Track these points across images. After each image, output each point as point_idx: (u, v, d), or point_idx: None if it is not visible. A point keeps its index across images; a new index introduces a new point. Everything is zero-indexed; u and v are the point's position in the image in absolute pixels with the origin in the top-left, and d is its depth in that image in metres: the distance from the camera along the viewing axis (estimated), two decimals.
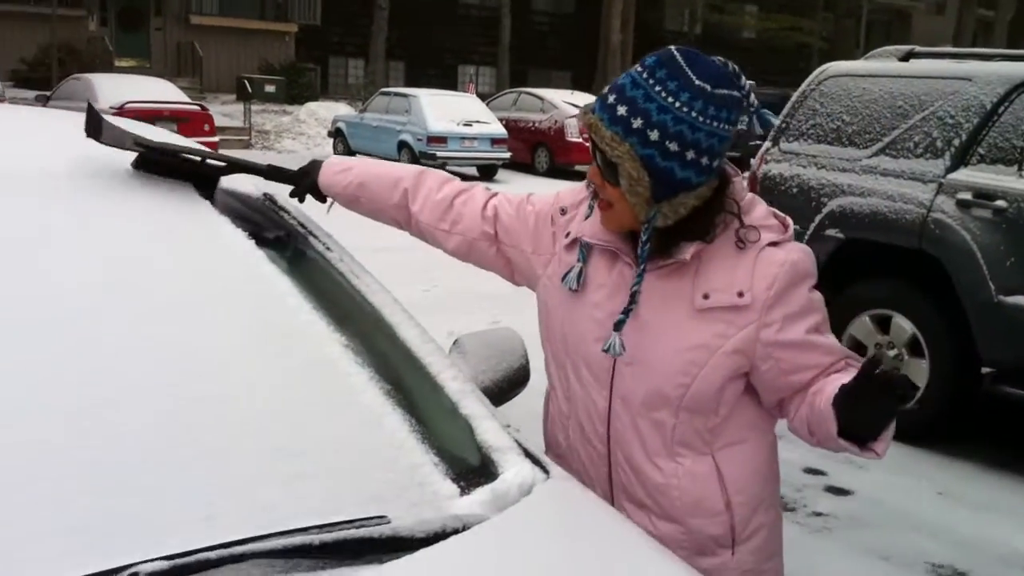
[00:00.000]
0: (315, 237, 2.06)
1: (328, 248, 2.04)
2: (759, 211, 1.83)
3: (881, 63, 6.05)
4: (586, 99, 22.58)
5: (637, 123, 1.67)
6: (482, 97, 23.84)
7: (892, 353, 5.48)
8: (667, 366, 1.79)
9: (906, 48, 6.13)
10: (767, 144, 6.36)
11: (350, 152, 21.05)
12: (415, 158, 18.98)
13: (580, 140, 20.62)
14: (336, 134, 22.06)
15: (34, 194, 1.78)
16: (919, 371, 5.36)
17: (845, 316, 5.65)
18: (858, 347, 5.65)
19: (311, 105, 26.61)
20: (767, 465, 1.94)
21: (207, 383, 1.55)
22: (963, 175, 5.24)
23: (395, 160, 19.21)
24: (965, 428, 5.37)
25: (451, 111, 19.77)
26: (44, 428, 1.36)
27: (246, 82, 24.49)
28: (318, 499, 1.43)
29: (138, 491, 1.33)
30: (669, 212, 1.73)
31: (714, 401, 1.82)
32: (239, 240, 1.88)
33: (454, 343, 2.12)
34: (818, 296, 1.84)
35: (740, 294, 1.76)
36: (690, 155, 1.67)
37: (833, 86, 6.09)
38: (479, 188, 2.12)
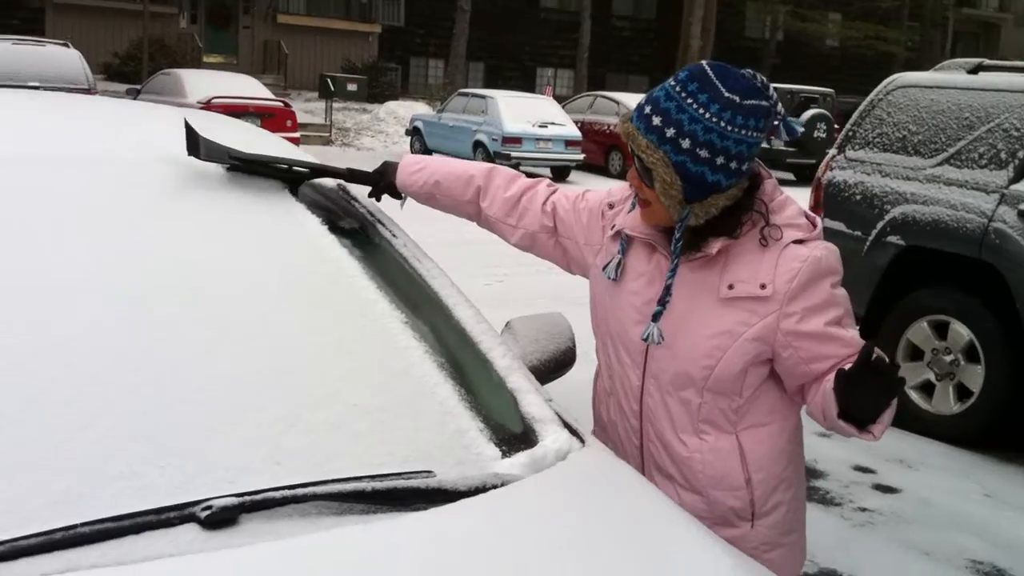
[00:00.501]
0: (383, 225, 2.27)
1: (394, 235, 2.24)
2: (790, 210, 1.98)
3: (950, 75, 6.11)
4: None
5: (670, 132, 1.85)
6: (559, 99, 24.00)
7: (949, 359, 5.56)
8: (694, 350, 1.97)
9: (975, 61, 6.19)
10: (833, 151, 6.46)
11: (426, 151, 21.36)
12: (490, 158, 19.19)
13: None
14: (413, 132, 22.37)
15: (139, 183, 2.00)
16: (975, 376, 5.44)
17: (903, 321, 5.75)
18: (915, 352, 5.74)
19: (391, 104, 26.95)
20: (788, 447, 2.09)
21: (286, 352, 1.76)
22: None
23: (470, 159, 19.47)
24: (1018, 433, 5.43)
25: (527, 112, 19.97)
26: (149, 379, 1.58)
27: (328, 80, 24.91)
28: (374, 453, 1.62)
29: (222, 438, 1.54)
30: (700, 212, 1.91)
31: (736, 383, 1.99)
32: (314, 227, 2.08)
33: (506, 325, 2.31)
34: (842, 292, 1.98)
35: (762, 286, 1.92)
36: (719, 160, 1.85)
37: (901, 96, 6.17)
38: (542, 185, 2.30)
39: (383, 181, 2.35)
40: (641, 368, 2.06)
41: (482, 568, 1.45)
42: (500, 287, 8.34)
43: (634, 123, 1.91)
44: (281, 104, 18.77)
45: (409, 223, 2.32)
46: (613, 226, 2.13)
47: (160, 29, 28.25)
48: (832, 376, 1.89)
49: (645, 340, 1.99)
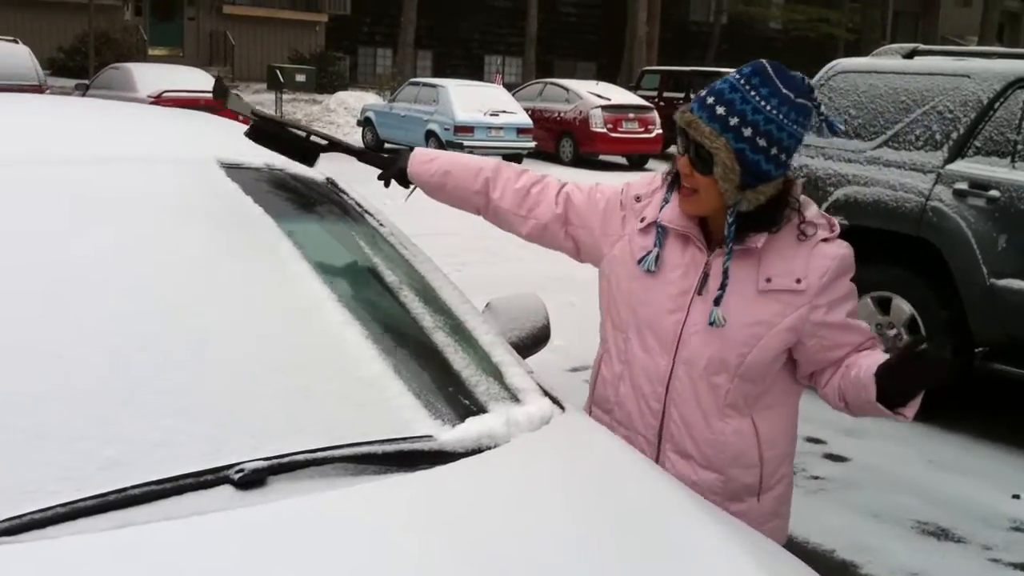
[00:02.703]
0: (372, 216, 2.46)
1: (382, 224, 2.44)
2: (812, 210, 2.17)
3: (887, 60, 6.37)
4: (611, 89, 22.83)
5: (734, 121, 2.00)
6: (509, 87, 24.10)
7: (892, 332, 5.84)
8: (732, 337, 2.12)
9: (911, 46, 6.45)
10: None
11: (379, 141, 21.42)
12: (442, 147, 19.30)
13: (603, 131, 20.88)
14: (365, 123, 22.34)
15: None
16: None
17: None
18: None
19: (341, 94, 26.87)
20: (792, 427, 2.30)
21: (299, 330, 1.96)
22: (960, 166, 5.56)
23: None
24: (958, 403, 5.71)
25: (478, 101, 20.10)
26: (181, 358, 1.77)
27: (277, 71, 24.84)
28: (383, 420, 1.82)
29: (248, 409, 1.73)
30: (752, 198, 2.06)
31: (766, 370, 2.16)
32: (314, 213, 2.27)
33: (487, 305, 2.52)
34: (853, 286, 2.19)
35: (798, 280, 2.09)
36: (774, 151, 2.02)
37: (841, 81, 6.40)
38: (552, 178, 2.42)
39: (394, 166, 2.41)
40: (671, 355, 2.18)
41: (478, 517, 1.64)
42: (458, 276, 8.51)
43: (695, 113, 2.05)
44: None
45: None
46: (643, 219, 2.23)
47: (105, 22, 27.90)
48: (860, 366, 2.09)
49: (712, 324, 2.11)
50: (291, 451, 1.66)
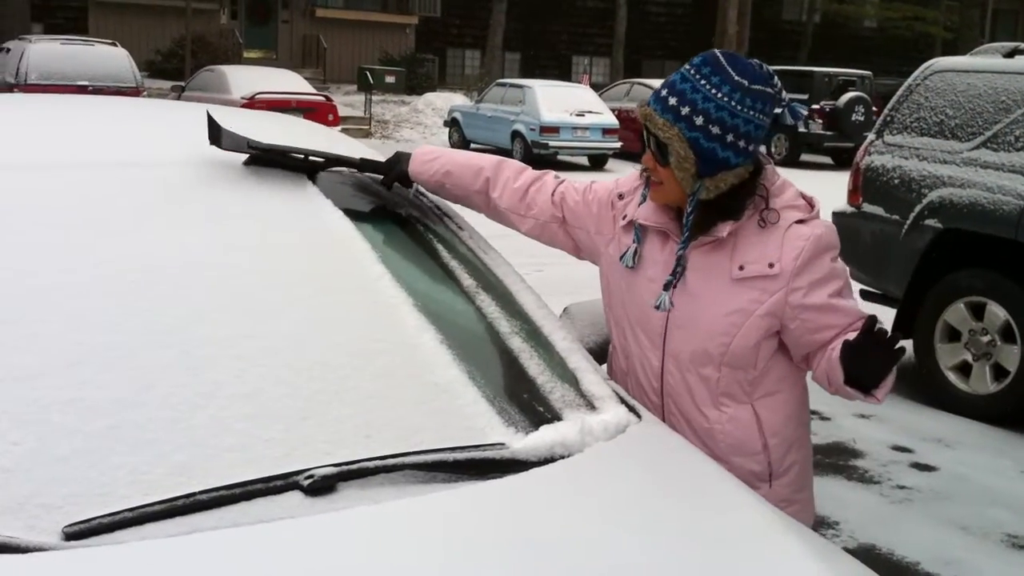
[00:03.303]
0: (450, 218, 2.44)
1: (460, 227, 2.42)
2: (789, 193, 2.16)
3: (986, 59, 6.20)
4: None
5: (685, 110, 2.03)
6: (596, 87, 24.05)
7: (985, 339, 5.66)
8: (711, 328, 2.13)
9: (1011, 45, 6.27)
10: (871, 136, 6.56)
11: (465, 142, 21.51)
12: (528, 148, 19.35)
13: None
14: (452, 124, 22.51)
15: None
16: (1011, 356, 5.54)
17: (941, 303, 5.86)
18: (953, 333, 5.84)
19: (429, 96, 27.06)
20: (798, 412, 2.27)
21: (371, 337, 1.93)
22: None
23: (508, 150, 19.62)
24: None
25: (564, 102, 20.06)
26: (251, 364, 1.76)
27: (367, 73, 25.10)
28: (452, 427, 1.80)
29: (318, 415, 1.72)
30: (711, 187, 2.08)
31: (751, 357, 2.15)
32: (383, 219, 2.26)
33: (564, 310, 2.48)
34: (841, 265, 2.16)
35: (771, 265, 2.08)
36: (729, 138, 2.03)
37: (938, 81, 6.25)
38: (549, 176, 2.43)
39: (395, 169, 2.41)
40: (660, 349, 2.21)
41: (553, 530, 1.60)
42: (537, 277, 8.48)
43: (651, 105, 2.08)
44: (323, 98, 18.96)
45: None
46: (624, 216, 2.26)
47: (202, 25, 28.54)
48: (838, 345, 2.05)
49: (657, 308, 2.15)
50: (362, 457, 1.64)
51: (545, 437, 1.82)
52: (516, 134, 19.98)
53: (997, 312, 5.61)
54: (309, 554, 1.43)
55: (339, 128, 17.79)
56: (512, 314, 2.20)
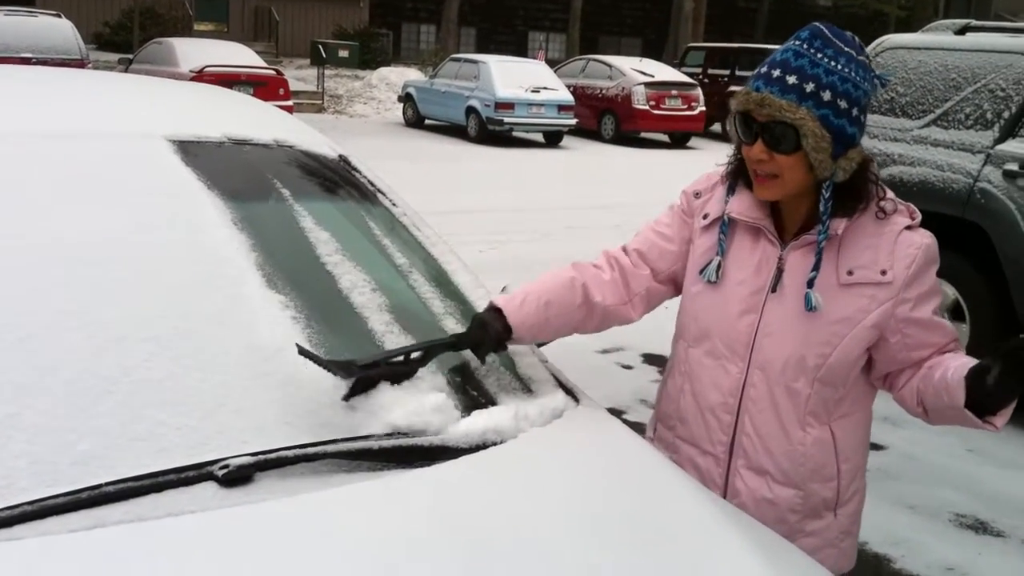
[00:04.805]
0: (383, 195, 2.35)
1: (394, 204, 2.33)
2: (890, 193, 2.00)
3: (937, 36, 6.17)
4: (655, 66, 22.62)
5: (810, 87, 1.84)
6: (552, 64, 23.95)
7: None
8: (813, 335, 1.95)
9: (963, 22, 6.24)
10: None
11: (419, 117, 21.37)
12: (482, 124, 19.26)
13: (646, 108, 20.69)
14: (406, 99, 22.34)
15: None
16: (960, 334, 5.52)
17: None
18: None
19: (383, 70, 26.89)
20: (868, 434, 2.14)
21: (291, 319, 1.83)
22: (1011, 146, 5.36)
23: (463, 126, 19.52)
24: None
25: (519, 77, 19.96)
26: (163, 347, 1.66)
27: (320, 47, 24.84)
28: (381, 412, 1.72)
29: (234, 401, 1.62)
30: (846, 166, 1.90)
31: (847, 372, 1.99)
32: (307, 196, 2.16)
33: (502, 290, 2.40)
34: (939, 281, 2.00)
35: (883, 272, 1.92)
36: (855, 111, 1.87)
37: (889, 58, 6.22)
38: (618, 250, 2.19)
39: (489, 333, 1.98)
40: (745, 360, 2.02)
41: (483, 520, 1.54)
42: (492, 254, 8.42)
43: (764, 89, 1.88)
44: (273, 72, 18.72)
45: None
46: (705, 215, 2.08)
47: None
48: (947, 367, 1.89)
49: (810, 309, 1.94)
50: (281, 446, 1.56)
51: (478, 423, 1.76)
52: (471, 110, 19.86)
53: (947, 291, 5.61)
54: (222, 549, 1.36)
55: (291, 102, 17.59)
56: (447, 295, 2.12)
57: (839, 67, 1.85)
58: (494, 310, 2.02)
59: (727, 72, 23.81)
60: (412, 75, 25.32)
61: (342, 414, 1.69)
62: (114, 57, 22.42)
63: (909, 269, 1.93)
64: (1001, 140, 5.42)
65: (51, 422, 1.49)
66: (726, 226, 2.03)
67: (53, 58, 13.54)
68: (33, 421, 1.48)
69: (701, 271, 2.05)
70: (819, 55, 1.86)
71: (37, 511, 1.36)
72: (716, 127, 22.91)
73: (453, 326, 2.02)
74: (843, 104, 1.85)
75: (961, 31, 6.11)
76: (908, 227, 1.96)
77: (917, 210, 2.02)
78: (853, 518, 2.13)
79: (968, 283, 5.54)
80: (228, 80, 15.62)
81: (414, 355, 1.85)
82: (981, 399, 1.81)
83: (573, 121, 20.17)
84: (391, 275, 2.11)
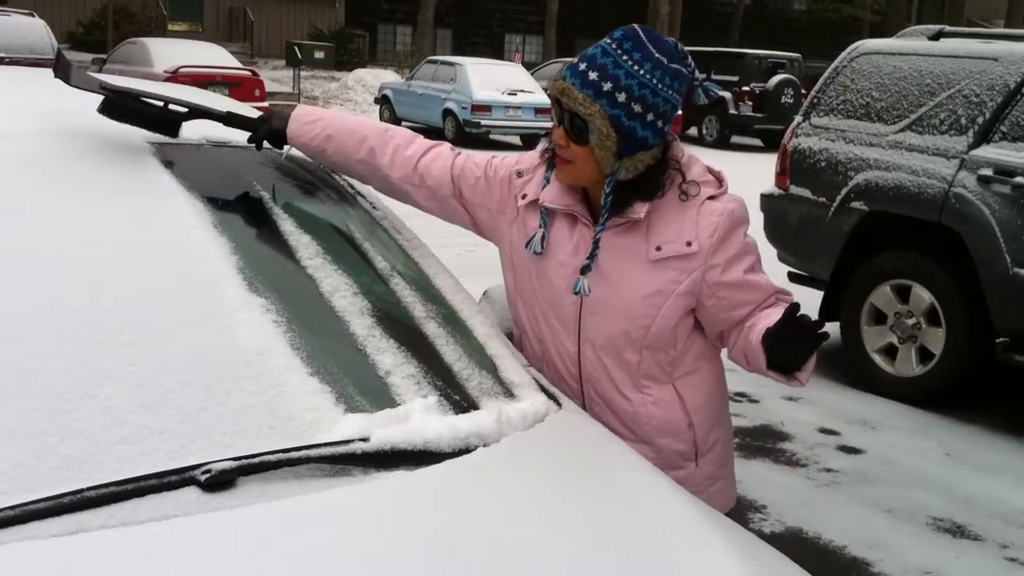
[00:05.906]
0: (363, 197, 2.34)
1: (374, 207, 2.32)
2: (697, 168, 2.11)
3: (911, 41, 6.22)
4: None
5: (607, 87, 1.94)
6: (528, 66, 23.98)
7: (911, 322, 5.71)
8: (629, 312, 2.07)
9: (936, 27, 6.30)
10: (798, 119, 6.57)
11: (396, 119, 21.33)
12: (459, 126, 19.24)
13: None
14: (382, 101, 22.30)
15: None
16: (936, 339, 5.59)
17: (867, 286, 5.90)
18: (879, 316, 5.88)
19: (359, 72, 26.83)
20: (717, 389, 2.25)
21: (273, 324, 1.82)
22: (985, 152, 5.42)
23: (440, 128, 19.44)
24: (977, 394, 5.59)
25: (496, 80, 19.95)
26: (145, 350, 1.65)
27: (296, 48, 24.78)
28: (364, 417, 1.71)
29: (217, 405, 1.61)
30: (630, 166, 2.00)
31: (671, 337, 2.11)
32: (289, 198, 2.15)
33: (484, 293, 2.40)
34: (752, 240, 2.12)
35: (688, 243, 2.04)
36: (650, 117, 1.96)
37: (864, 63, 6.27)
38: (445, 147, 2.29)
39: (265, 127, 2.23)
40: (575, 335, 2.14)
41: (466, 524, 1.53)
42: (469, 257, 8.39)
43: (568, 80, 1.98)
44: (248, 73, 18.63)
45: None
46: (524, 196, 2.17)
47: None
48: (758, 329, 2.01)
49: (576, 293, 2.07)
50: (264, 450, 1.55)
51: (460, 427, 1.75)
52: (448, 112, 19.84)
53: (922, 295, 5.66)
54: (205, 554, 1.35)
55: (266, 103, 17.51)
56: (428, 298, 2.11)
57: (641, 71, 1.95)
58: (288, 113, 2.23)
59: (703, 76, 23.88)
60: (389, 77, 25.28)
61: (325, 418, 1.68)
62: (87, 57, 22.25)
63: (712, 237, 2.04)
64: (976, 145, 5.47)
65: (31, 426, 1.47)
66: (544, 213, 2.13)
67: (27, 57, 13.39)
68: (13, 425, 1.46)
69: (528, 243, 2.14)
70: (625, 57, 1.96)
71: (18, 516, 1.34)
72: (692, 130, 22.97)
73: (435, 328, 2.02)
74: (637, 108, 1.94)
75: (935, 37, 6.16)
76: (711, 197, 2.07)
77: (726, 176, 2.13)
78: (718, 463, 2.26)
79: (943, 288, 5.58)
80: (203, 80, 15.54)
81: (177, 108, 2.02)
82: (779, 360, 1.97)
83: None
84: (372, 278, 2.10)
